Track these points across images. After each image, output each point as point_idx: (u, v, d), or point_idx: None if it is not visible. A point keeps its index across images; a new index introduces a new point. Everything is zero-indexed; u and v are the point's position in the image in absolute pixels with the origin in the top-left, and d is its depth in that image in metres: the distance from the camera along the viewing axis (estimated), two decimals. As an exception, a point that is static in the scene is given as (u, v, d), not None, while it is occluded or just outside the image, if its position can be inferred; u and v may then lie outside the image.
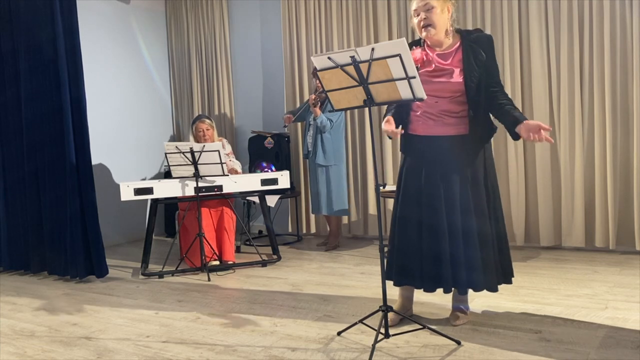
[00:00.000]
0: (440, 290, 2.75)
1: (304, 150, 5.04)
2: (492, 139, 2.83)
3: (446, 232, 2.66)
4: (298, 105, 5.38)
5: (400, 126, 2.70)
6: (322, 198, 4.84)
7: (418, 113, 2.75)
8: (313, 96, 4.69)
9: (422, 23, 2.64)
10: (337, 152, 4.80)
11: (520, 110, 2.69)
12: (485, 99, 2.67)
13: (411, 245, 2.72)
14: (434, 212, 2.68)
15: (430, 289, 2.75)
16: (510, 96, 4.49)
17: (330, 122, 4.70)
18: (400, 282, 2.80)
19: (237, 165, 4.78)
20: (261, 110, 5.99)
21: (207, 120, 4.73)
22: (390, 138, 4.16)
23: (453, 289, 2.76)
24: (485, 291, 2.72)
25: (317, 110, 4.67)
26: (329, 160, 4.77)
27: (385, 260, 2.63)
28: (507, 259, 2.79)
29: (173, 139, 6.40)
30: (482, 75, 2.66)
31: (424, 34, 2.66)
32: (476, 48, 2.66)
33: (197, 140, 4.64)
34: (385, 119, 2.69)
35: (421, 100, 2.43)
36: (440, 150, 2.69)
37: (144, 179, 5.87)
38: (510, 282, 2.80)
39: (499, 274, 2.73)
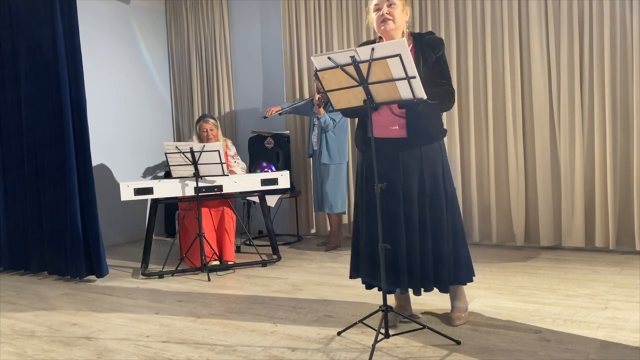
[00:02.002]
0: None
1: (308, 149, 5.04)
2: (445, 139, 2.81)
3: (403, 231, 2.65)
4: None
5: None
6: (325, 196, 4.86)
7: (373, 114, 2.76)
8: (318, 96, 4.69)
9: (382, 17, 2.63)
10: (341, 151, 4.82)
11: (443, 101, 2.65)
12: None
13: (371, 244, 2.72)
14: (392, 209, 2.67)
15: (388, 290, 2.72)
16: (510, 96, 4.54)
17: (333, 121, 4.71)
18: (367, 284, 2.84)
19: (239, 168, 4.76)
20: (261, 110, 5.99)
21: (211, 120, 4.71)
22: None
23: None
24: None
25: (321, 110, 4.68)
26: (333, 159, 4.79)
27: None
28: (463, 259, 2.76)
29: (173, 139, 6.40)
30: (429, 77, 2.64)
31: (382, 27, 2.65)
32: (427, 50, 2.66)
33: (201, 140, 4.63)
34: None
35: (421, 99, 2.43)
36: (396, 151, 2.68)
37: (143, 175, 5.87)
38: (468, 281, 2.78)
39: (452, 274, 2.71)
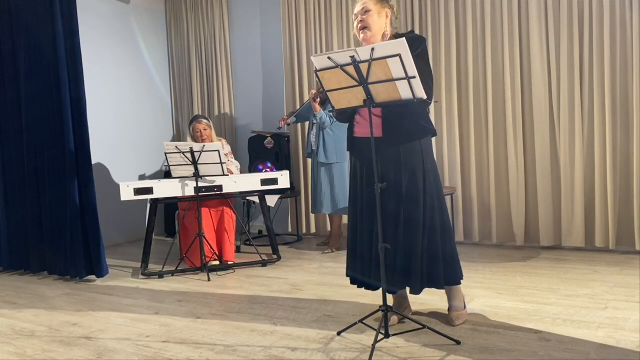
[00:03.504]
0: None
1: (307, 149, 5.02)
2: (427, 139, 2.79)
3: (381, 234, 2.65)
4: (298, 106, 5.37)
5: None
6: (324, 197, 4.82)
7: (356, 115, 2.80)
8: (314, 91, 4.67)
9: (359, 25, 2.72)
10: (338, 151, 4.77)
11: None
12: None
13: (357, 246, 2.78)
14: (371, 212, 2.70)
15: (372, 287, 2.76)
16: (510, 97, 4.54)
17: (330, 118, 4.68)
18: (354, 281, 2.86)
19: (234, 166, 4.76)
20: (261, 110, 5.99)
21: (204, 121, 4.72)
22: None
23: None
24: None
25: (317, 105, 4.62)
26: (331, 159, 4.75)
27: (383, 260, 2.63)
28: (450, 259, 2.73)
29: (173, 139, 6.40)
30: None
31: (361, 36, 2.72)
32: None
33: (195, 141, 4.63)
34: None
35: (421, 99, 2.43)
36: (376, 150, 2.67)
37: (143, 175, 5.87)
38: (457, 283, 2.75)
39: (443, 275, 2.69)
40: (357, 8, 2.74)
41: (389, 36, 2.75)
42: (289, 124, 4.99)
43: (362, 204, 2.77)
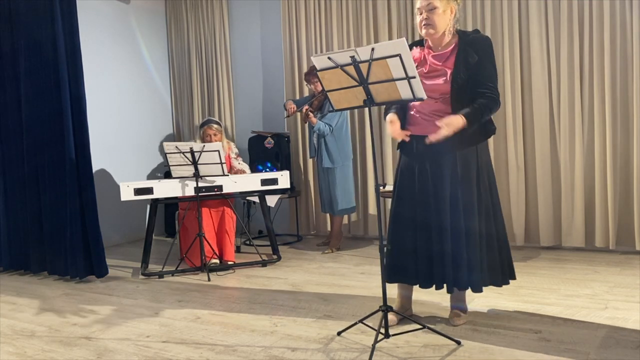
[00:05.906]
0: (439, 290, 2.75)
1: (310, 150, 4.99)
2: (487, 139, 2.81)
3: (437, 230, 2.68)
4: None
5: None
6: (327, 199, 4.84)
7: (412, 112, 2.76)
8: (306, 107, 4.66)
9: (422, 22, 2.65)
10: (341, 152, 4.74)
11: (483, 111, 2.61)
12: (470, 100, 2.61)
13: (404, 243, 2.75)
14: (425, 210, 2.71)
15: (425, 285, 2.77)
16: (510, 97, 4.54)
17: (329, 127, 4.66)
18: (392, 279, 2.83)
19: (246, 168, 4.78)
20: (261, 110, 5.99)
21: (215, 125, 4.72)
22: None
23: (454, 288, 2.76)
24: (484, 291, 2.72)
25: (313, 119, 4.64)
26: (334, 162, 4.72)
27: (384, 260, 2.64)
28: (504, 259, 2.77)
29: (173, 139, 6.40)
30: (470, 77, 2.61)
31: (423, 32, 2.67)
32: (469, 50, 2.64)
33: None
34: (389, 118, 2.69)
35: (421, 100, 2.43)
36: (432, 149, 2.66)
37: (143, 174, 5.87)
38: (504, 283, 2.79)
39: (485, 274, 2.72)
40: (422, 2, 2.64)
41: (451, 33, 2.69)
42: (297, 111, 4.91)
43: (412, 204, 2.74)
